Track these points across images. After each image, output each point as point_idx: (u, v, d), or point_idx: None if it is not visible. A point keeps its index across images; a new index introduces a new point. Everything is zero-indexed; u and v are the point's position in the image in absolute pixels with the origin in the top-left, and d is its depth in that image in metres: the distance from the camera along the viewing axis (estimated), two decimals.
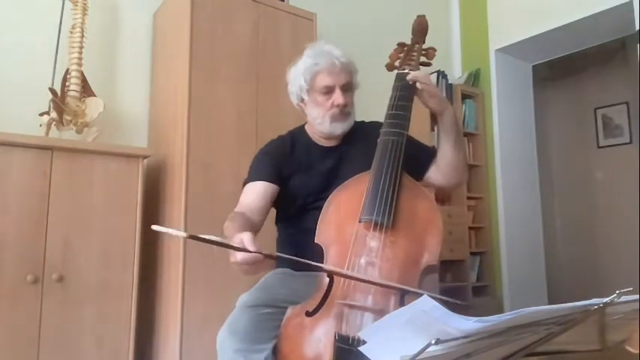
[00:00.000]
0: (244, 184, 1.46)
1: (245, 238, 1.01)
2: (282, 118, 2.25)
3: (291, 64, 1.49)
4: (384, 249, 1.14)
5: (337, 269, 1.13)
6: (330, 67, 1.39)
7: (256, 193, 1.40)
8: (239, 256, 0.99)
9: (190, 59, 2.16)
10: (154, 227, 0.90)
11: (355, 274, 1.12)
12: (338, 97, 1.40)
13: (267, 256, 1.00)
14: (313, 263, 1.05)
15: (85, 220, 1.91)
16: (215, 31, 2.26)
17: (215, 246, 0.92)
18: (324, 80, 1.40)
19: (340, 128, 1.44)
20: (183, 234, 0.86)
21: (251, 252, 0.98)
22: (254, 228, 1.30)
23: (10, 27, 2.20)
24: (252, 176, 1.45)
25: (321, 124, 1.44)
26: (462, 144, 1.45)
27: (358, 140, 1.47)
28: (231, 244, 0.98)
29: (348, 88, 1.43)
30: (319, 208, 1.27)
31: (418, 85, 1.34)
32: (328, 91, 1.40)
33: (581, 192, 4.55)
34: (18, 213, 1.79)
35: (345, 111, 1.42)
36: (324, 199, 1.29)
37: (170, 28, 2.41)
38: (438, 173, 1.46)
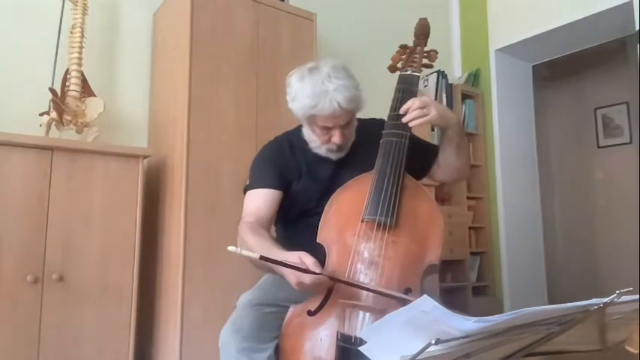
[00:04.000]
0: (245, 190, 1.43)
1: (308, 261, 1.03)
2: (282, 118, 2.25)
3: (291, 74, 1.37)
4: (386, 248, 1.15)
5: (354, 282, 1.13)
6: (331, 113, 1.27)
7: (264, 202, 1.36)
8: (307, 279, 1.03)
9: (190, 59, 2.16)
10: (230, 248, 0.96)
11: (358, 283, 1.12)
12: (336, 137, 1.33)
13: (333, 279, 1.04)
14: (359, 285, 1.09)
15: (85, 220, 1.91)
16: (215, 31, 2.26)
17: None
18: (322, 122, 1.31)
19: (335, 157, 1.40)
20: (256, 255, 0.96)
21: (317, 274, 1.01)
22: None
23: (10, 27, 2.20)
24: (256, 182, 1.40)
25: (316, 149, 1.40)
26: (465, 147, 1.43)
27: (358, 144, 1.43)
28: (294, 265, 1.02)
29: (349, 123, 1.35)
30: (320, 213, 1.27)
31: (426, 120, 1.25)
32: (327, 128, 1.33)
33: (581, 192, 4.55)
34: (18, 213, 1.78)
35: (342, 147, 1.37)
36: (325, 205, 1.28)
37: (170, 28, 2.41)
38: (439, 171, 1.47)
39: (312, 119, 1.33)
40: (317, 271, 1.01)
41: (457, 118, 1.35)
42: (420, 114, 1.24)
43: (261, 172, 1.43)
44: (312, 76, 1.29)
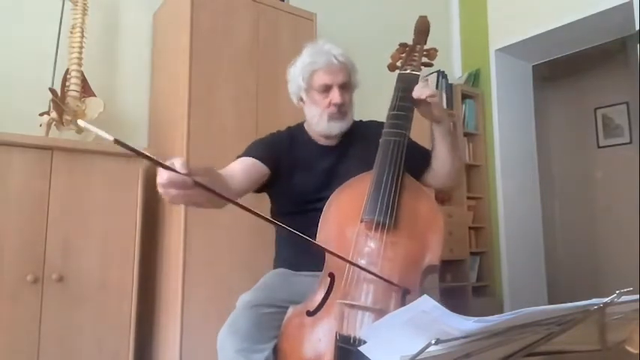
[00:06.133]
0: (237, 157, 1.42)
1: (176, 161, 0.90)
2: (282, 118, 2.24)
3: (291, 64, 1.49)
4: (385, 249, 1.14)
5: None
6: (328, 65, 1.39)
7: (242, 165, 1.37)
8: (164, 174, 0.89)
9: (190, 59, 2.16)
10: (80, 122, 0.82)
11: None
12: (335, 95, 1.39)
13: (198, 184, 0.88)
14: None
15: (85, 220, 1.91)
16: (215, 31, 2.26)
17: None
18: (321, 79, 1.40)
19: (337, 128, 1.43)
20: (110, 137, 0.73)
21: (180, 173, 0.88)
22: (222, 185, 1.19)
23: (10, 27, 2.20)
24: (245, 152, 1.43)
25: (319, 124, 1.44)
26: (457, 148, 1.43)
27: (357, 139, 1.47)
28: (169, 163, 0.87)
29: (346, 87, 1.42)
30: (318, 210, 1.27)
31: (428, 99, 1.27)
32: (326, 89, 1.40)
33: (581, 192, 4.55)
34: (18, 213, 1.78)
35: (342, 110, 1.41)
36: (323, 198, 1.28)
37: (170, 28, 2.41)
38: (432, 176, 1.45)
39: (311, 81, 1.41)
40: (182, 171, 0.88)
41: (449, 118, 1.38)
42: (431, 92, 1.27)
43: (253, 146, 1.47)
44: (309, 46, 1.47)
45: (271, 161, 1.41)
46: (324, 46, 1.44)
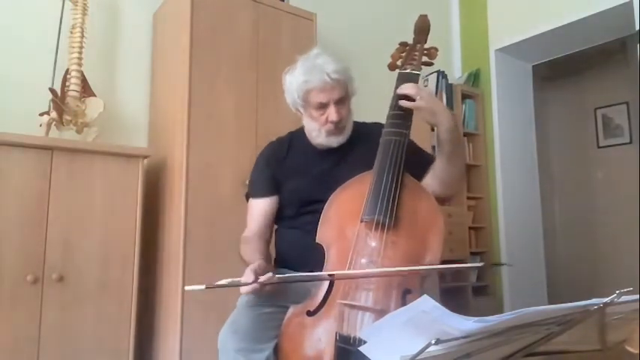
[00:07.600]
0: (247, 196, 1.52)
1: (246, 272, 1.15)
2: (282, 118, 2.25)
3: (286, 71, 1.45)
4: (385, 249, 1.14)
5: (341, 272, 1.14)
6: (322, 84, 1.35)
7: (261, 214, 1.46)
8: (243, 289, 1.15)
9: (190, 59, 2.16)
10: (187, 288, 1.07)
11: (359, 272, 1.12)
12: (332, 113, 1.37)
13: (265, 284, 1.12)
14: (315, 274, 1.15)
15: (85, 220, 1.91)
16: (215, 31, 2.26)
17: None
18: (316, 97, 1.37)
19: (336, 142, 1.43)
20: (201, 287, 1.04)
21: (251, 283, 1.11)
22: (267, 244, 1.46)
23: (10, 27, 2.20)
24: (254, 192, 1.50)
25: (317, 137, 1.43)
26: (457, 157, 1.38)
27: (358, 142, 1.46)
28: (241, 280, 1.13)
29: (343, 101, 1.39)
30: (318, 211, 1.27)
31: (413, 105, 1.27)
32: (322, 106, 1.38)
33: (581, 192, 4.55)
34: (18, 213, 1.78)
35: (340, 126, 1.40)
36: (322, 201, 1.28)
37: (170, 28, 2.41)
38: (432, 181, 1.40)
39: (307, 99, 1.38)
40: (250, 280, 1.12)
41: (452, 124, 1.29)
42: (417, 93, 1.27)
43: (257, 179, 1.50)
44: (303, 60, 1.41)
45: (274, 186, 1.47)
46: (316, 61, 1.37)
